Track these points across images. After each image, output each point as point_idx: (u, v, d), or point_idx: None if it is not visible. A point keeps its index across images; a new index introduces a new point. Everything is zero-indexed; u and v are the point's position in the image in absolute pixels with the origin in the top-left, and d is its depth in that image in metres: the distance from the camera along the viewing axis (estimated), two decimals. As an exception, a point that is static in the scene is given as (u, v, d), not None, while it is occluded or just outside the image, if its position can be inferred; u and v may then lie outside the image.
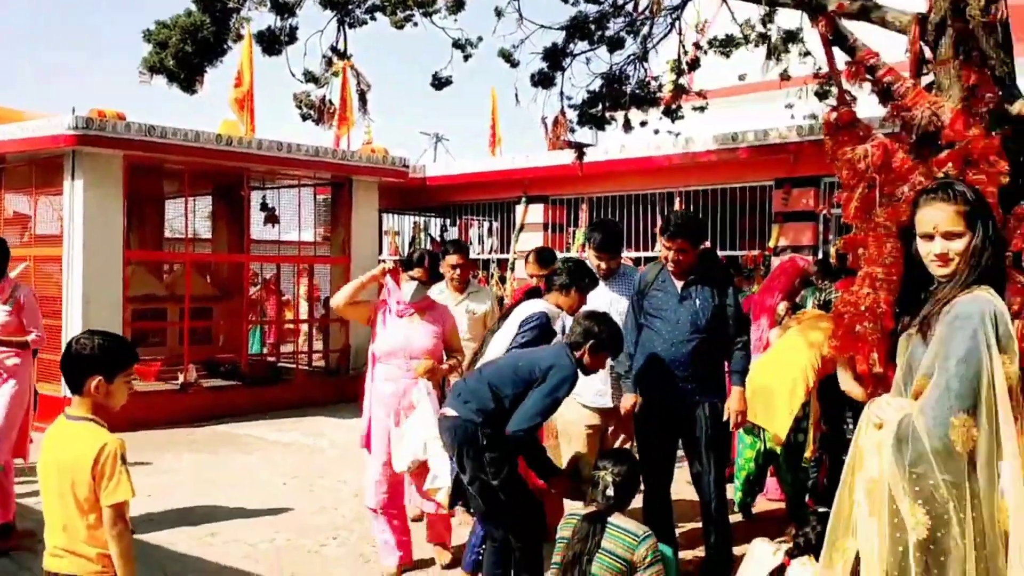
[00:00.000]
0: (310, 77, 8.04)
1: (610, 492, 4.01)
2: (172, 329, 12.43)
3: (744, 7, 7.75)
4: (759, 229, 11.21)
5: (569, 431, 5.06)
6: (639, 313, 5.05)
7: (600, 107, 9.42)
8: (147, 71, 7.30)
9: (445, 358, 5.25)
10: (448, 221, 16.10)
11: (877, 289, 4.92)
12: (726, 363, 5.07)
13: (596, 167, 11.53)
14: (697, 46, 9.31)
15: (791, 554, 3.62)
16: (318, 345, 13.67)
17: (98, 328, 3.23)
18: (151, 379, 10.92)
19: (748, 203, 11.07)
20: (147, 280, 12.42)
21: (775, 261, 9.77)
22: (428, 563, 5.37)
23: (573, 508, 4.22)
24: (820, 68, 8.54)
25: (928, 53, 5.35)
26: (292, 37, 7.63)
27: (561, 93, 8.73)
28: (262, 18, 9.73)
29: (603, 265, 5.30)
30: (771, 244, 10.64)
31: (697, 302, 4.88)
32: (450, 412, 4.32)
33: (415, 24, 8.01)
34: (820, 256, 9.53)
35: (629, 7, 8.88)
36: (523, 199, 13.07)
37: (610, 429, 5.25)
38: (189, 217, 11.69)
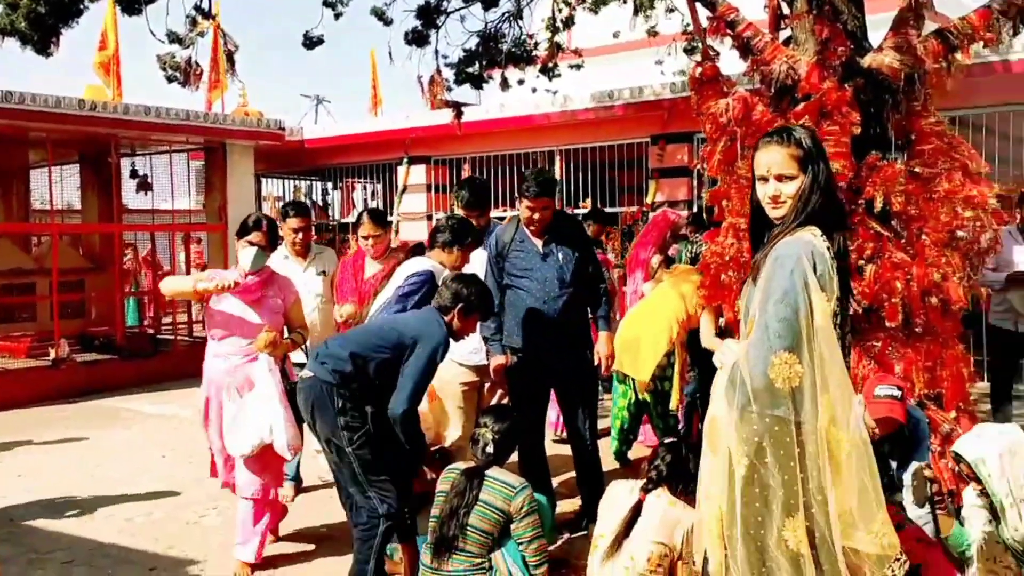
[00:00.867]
0: (174, 38, 7.76)
1: (490, 448, 4.06)
2: (42, 303, 11.88)
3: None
4: (637, 185, 11.42)
5: (445, 390, 5.08)
6: (500, 275, 5.09)
7: (477, 65, 9.38)
8: (-2, 34, 6.91)
9: (287, 333, 4.94)
10: (330, 184, 15.85)
11: (741, 239, 5.13)
12: (589, 310, 5.20)
13: (477, 126, 11.52)
14: (567, 2, 9.34)
15: (646, 488, 3.73)
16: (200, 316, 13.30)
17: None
18: (21, 356, 10.47)
19: (626, 160, 11.25)
20: (13, 253, 11.84)
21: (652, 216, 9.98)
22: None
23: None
24: (689, 25, 8.70)
25: (786, 8, 5.52)
26: (153, -5, 7.33)
27: (436, 52, 8.67)
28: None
29: (472, 223, 5.32)
30: (649, 200, 10.85)
31: (560, 257, 4.96)
32: (307, 373, 4.17)
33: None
34: (695, 210, 9.80)
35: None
36: (405, 160, 12.95)
37: (487, 385, 5.30)
38: (56, 187, 11.14)
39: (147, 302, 15.41)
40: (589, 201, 11.56)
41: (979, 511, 3.83)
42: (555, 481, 5.51)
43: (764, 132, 4.95)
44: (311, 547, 5.08)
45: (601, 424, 5.70)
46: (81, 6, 7.10)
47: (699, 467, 2.81)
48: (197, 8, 7.80)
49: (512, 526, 3.85)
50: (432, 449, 4.67)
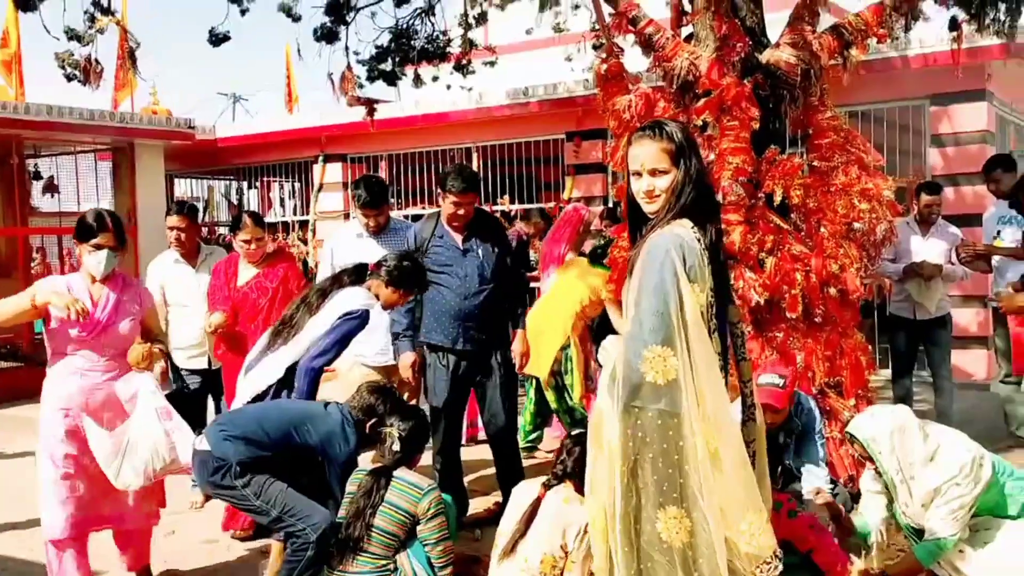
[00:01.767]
0: (72, 35, 7.50)
1: (396, 447, 4.02)
2: (-58, 312, 11.39)
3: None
4: (555, 181, 11.47)
5: (351, 392, 5.02)
6: None
7: (390, 62, 9.28)
8: None
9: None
10: (246, 183, 15.56)
11: (647, 233, 5.20)
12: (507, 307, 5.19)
13: (392, 123, 11.44)
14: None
15: (548, 484, 3.74)
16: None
17: None
18: (-81, 367, 10.06)
19: (543, 156, 11.29)
20: (-88, 258, 11.38)
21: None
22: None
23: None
24: (597, 23, 8.76)
25: (687, 5, 5.60)
26: (49, -10, 7.07)
27: (347, 48, 8.54)
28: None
29: (371, 223, 5.26)
30: (566, 196, 10.90)
31: (480, 254, 4.95)
32: (203, 445, 3.87)
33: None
34: (610, 205, 9.89)
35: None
36: (321, 158, 12.79)
37: (395, 385, 5.25)
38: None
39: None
40: (507, 197, 11.57)
41: (876, 497, 3.95)
42: (471, 478, 5.50)
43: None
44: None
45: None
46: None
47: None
48: (96, 4, 7.55)
49: (418, 528, 3.82)
50: None
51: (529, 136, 11.21)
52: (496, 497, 5.31)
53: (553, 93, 10.51)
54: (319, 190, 12.86)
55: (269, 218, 14.70)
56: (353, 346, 4.39)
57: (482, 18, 9.69)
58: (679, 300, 2.51)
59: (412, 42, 9.25)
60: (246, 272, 5.40)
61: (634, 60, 5.67)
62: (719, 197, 4.96)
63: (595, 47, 9.06)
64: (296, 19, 8.33)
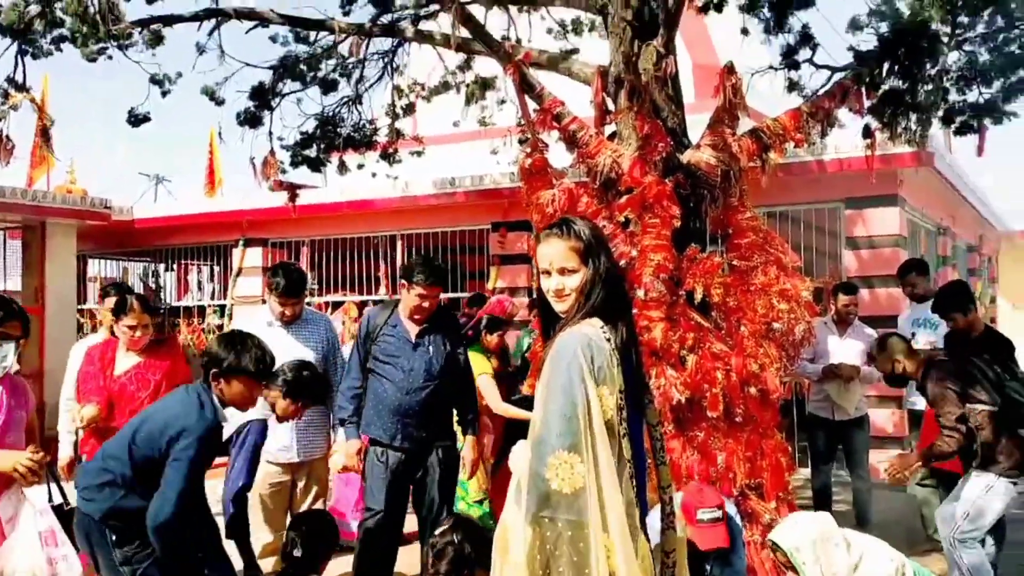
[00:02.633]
0: (-19, 111, 7.26)
1: (298, 553, 3.81)
2: None
3: (447, 54, 7.88)
4: (479, 271, 11.43)
5: (254, 489, 4.77)
6: (366, 358, 4.89)
7: (314, 149, 9.21)
8: None
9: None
10: (163, 266, 15.17)
11: (567, 328, 5.13)
12: (456, 410, 5.06)
13: (316, 209, 11.33)
14: (398, 90, 9.39)
15: None
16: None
17: None
18: None
19: (468, 245, 11.27)
20: None
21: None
22: None
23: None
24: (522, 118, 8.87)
25: (611, 104, 5.66)
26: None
27: (270, 133, 8.44)
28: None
29: (287, 311, 5.09)
30: (490, 286, 10.86)
31: (431, 349, 4.83)
32: (79, 505, 3.61)
33: (109, 57, 7.51)
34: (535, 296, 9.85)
35: (343, 49, 8.78)
36: (241, 242, 12.55)
37: (300, 485, 5.01)
38: None
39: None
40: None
41: (799, 605, 3.84)
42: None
43: (589, 223, 5.04)
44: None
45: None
46: None
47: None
48: (10, 80, 7.34)
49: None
50: None
51: (454, 226, 11.20)
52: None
53: (479, 184, 10.56)
54: (238, 274, 12.61)
55: (185, 301, 14.38)
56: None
57: (410, 109, 9.74)
58: (586, 403, 2.40)
59: (338, 129, 9.21)
60: (125, 360, 5.00)
61: (558, 155, 5.69)
62: (640, 293, 4.94)
63: (521, 141, 9.16)
64: (220, 103, 8.22)
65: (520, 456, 2.57)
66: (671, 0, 5.27)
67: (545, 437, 2.40)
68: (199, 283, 15.76)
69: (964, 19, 5.57)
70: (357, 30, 7.02)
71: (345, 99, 9.13)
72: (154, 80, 7.74)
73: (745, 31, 7.29)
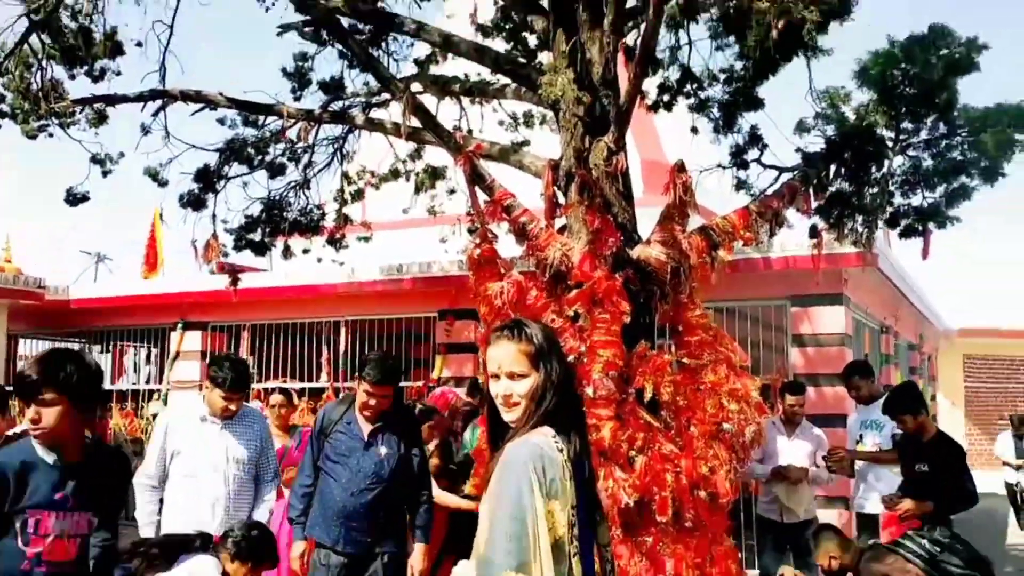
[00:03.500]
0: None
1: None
2: None
3: (398, 141, 7.86)
4: (425, 359, 11.23)
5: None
6: (318, 454, 4.73)
7: (259, 232, 9.05)
8: None
9: None
10: (100, 348, 14.70)
11: (514, 426, 4.97)
12: (409, 515, 4.87)
13: (259, 293, 11.07)
14: (347, 178, 9.33)
15: None
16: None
17: None
18: None
19: (414, 333, 11.08)
20: None
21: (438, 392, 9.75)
22: None
23: None
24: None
25: (561, 198, 5.62)
26: None
27: (214, 216, 8.28)
28: None
29: (231, 407, 4.85)
30: (435, 375, 10.66)
31: (383, 450, 4.65)
32: None
33: (50, 135, 7.34)
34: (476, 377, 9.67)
35: (292, 134, 8.71)
36: (179, 325, 12.22)
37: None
38: None
39: None
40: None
41: None
42: None
43: (537, 317, 4.94)
44: None
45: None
46: None
47: None
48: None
49: None
50: None
51: (401, 313, 11.02)
52: None
53: (427, 271, 10.44)
54: (175, 358, 12.23)
55: (120, 385, 13.88)
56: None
57: (358, 195, 9.66)
58: (535, 520, 2.24)
59: (284, 213, 9.08)
60: None
61: (508, 246, 5.62)
62: (589, 391, 4.82)
63: (470, 230, 9.12)
64: (163, 184, 8.06)
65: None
66: (622, 98, 5.29)
67: (491, 556, 2.23)
68: (135, 366, 15.30)
69: (908, 125, 5.69)
70: (306, 116, 6.96)
71: (293, 183, 9.03)
72: (95, 160, 7.59)
73: (695, 130, 7.39)
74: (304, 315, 11.51)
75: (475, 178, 5.43)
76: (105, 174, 7.63)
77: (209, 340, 12.21)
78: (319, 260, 10.01)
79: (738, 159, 6.59)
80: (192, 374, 12.20)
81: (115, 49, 7.33)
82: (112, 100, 7.15)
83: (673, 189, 5.25)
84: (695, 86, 6.93)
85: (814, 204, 5.83)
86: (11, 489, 3.13)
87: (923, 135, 5.81)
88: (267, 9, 7.62)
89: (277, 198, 8.98)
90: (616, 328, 4.99)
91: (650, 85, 7.25)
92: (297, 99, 8.30)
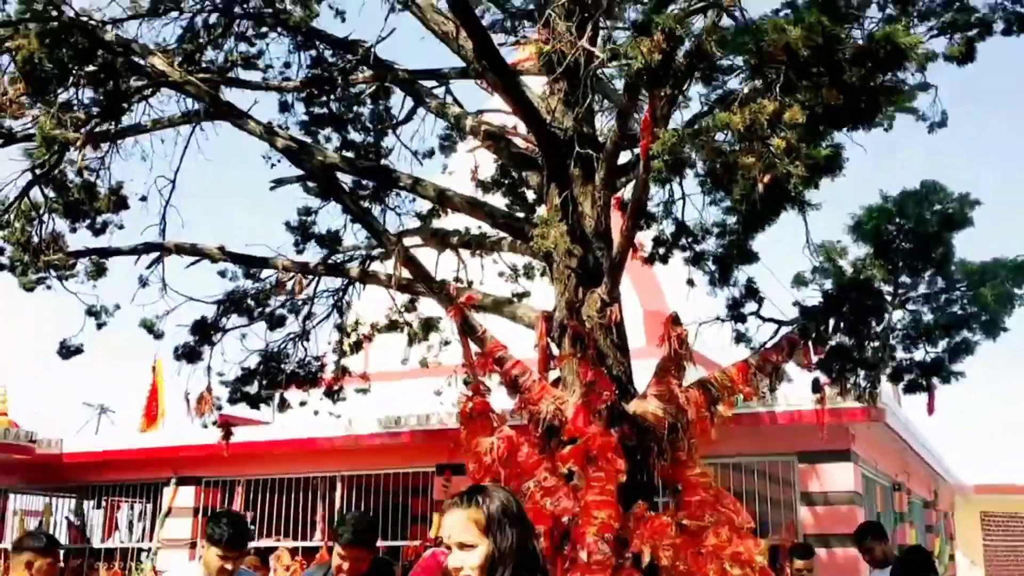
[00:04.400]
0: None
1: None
2: None
3: (396, 293, 7.84)
4: (423, 516, 10.87)
5: None
6: None
7: (256, 385, 8.94)
8: None
9: None
10: (93, 503, 14.34)
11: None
12: None
13: (253, 447, 10.82)
14: (342, 330, 9.29)
15: None
16: None
17: None
18: None
19: (411, 488, 10.77)
20: None
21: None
22: None
23: None
24: (469, 358, 8.75)
25: (555, 349, 5.53)
26: None
27: (208, 368, 8.18)
28: None
29: (228, 566, 4.58)
30: (432, 534, 10.26)
31: None
32: None
33: (48, 287, 7.35)
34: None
35: (291, 285, 8.72)
36: (172, 480, 11.93)
37: None
38: None
39: None
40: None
41: None
42: None
43: (529, 474, 4.76)
44: None
45: None
46: None
47: None
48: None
49: None
50: None
51: (398, 467, 10.75)
52: None
53: (426, 423, 10.24)
54: (167, 514, 11.88)
55: (110, 543, 13.43)
56: None
57: (357, 347, 9.59)
58: None
59: (282, 366, 8.99)
60: None
61: (502, 398, 5.49)
62: (583, 555, 4.57)
63: (466, 382, 9.00)
64: (159, 336, 8.01)
65: None
66: (615, 250, 5.27)
67: None
68: (129, 522, 14.88)
69: (906, 279, 5.62)
70: (302, 269, 6.98)
71: (291, 335, 8.98)
72: (90, 312, 7.57)
73: (691, 282, 7.36)
74: (300, 470, 11.25)
75: (466, 329, 5.36)
76: (100, 326, 7.60)
77: (202, 496, 11.90)
78: (316, 413, 9.84)
79: (735, 312, 6.52)
80: (183, 532, 11.83)
81: (119, 203, 7.44)
82: (107, 253, 7.20)
83: (668, 342, 5.17)
84: (690, 239, 6.95)
85: (815, 358, 5.72)
86: None
87: (922, 289, 5.74)
88: (272, 166, 7.81)
89: (275, 350, 8.91)
90: (612, 487, 4.80)
91: (646, 238, 7.28)
92: (300, 252, 8.38)
